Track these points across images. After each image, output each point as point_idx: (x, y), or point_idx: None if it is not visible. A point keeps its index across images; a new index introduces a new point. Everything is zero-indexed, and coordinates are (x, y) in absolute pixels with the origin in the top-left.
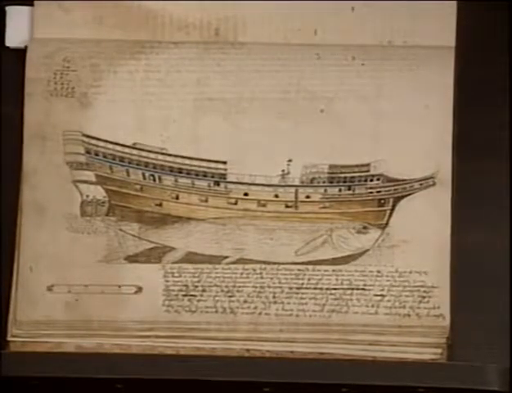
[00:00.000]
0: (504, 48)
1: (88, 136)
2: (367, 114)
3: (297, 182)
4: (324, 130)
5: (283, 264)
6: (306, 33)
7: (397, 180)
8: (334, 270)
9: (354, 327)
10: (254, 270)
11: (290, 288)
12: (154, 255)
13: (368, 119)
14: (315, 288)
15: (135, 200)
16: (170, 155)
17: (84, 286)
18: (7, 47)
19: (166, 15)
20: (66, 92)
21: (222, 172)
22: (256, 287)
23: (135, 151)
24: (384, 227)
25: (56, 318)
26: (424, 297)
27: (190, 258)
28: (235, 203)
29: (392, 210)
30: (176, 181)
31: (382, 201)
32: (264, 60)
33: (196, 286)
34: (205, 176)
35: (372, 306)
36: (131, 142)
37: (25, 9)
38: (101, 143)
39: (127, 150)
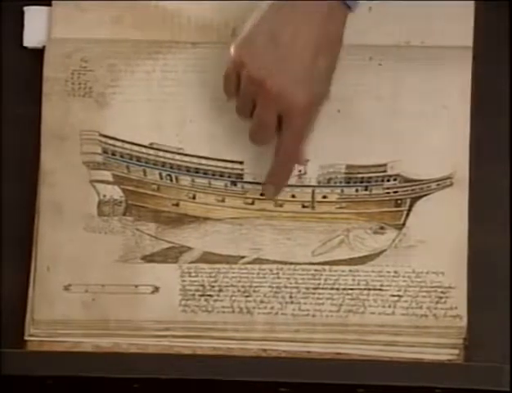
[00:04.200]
0: None
1: (105, 136)
2: (384, 114)
3: (314, 183)
4: (341, 130)
5: (300, 264)
6: None
7: (414, 180)
8: (350, 270)
9: (371, 327)
10: (271, 270)
11: (307, 288)
12: (171, 254)
13: (385, 119)
14: (331, 288)
15: (152, 200)
16: (187, 155)
17: (101, 286)
18: (25, 47)
19: (183, 15)
20: (84, 92)
21: (239, 172)
22: (272, 287)
23: (152, 151)
24: (400, 227)
25: (73, 318)
26: (441, 298)
27: (207, 258)
28: (252, 203)
29: (410, 210)
30: (193, 181)
31: (399, 202)
32: None
33: (213, 286)
34: (222, 176)
35: (389, 307)
36: (148, 141)
37: (43, 9)
38: (118, 143)
39: (144, 150)
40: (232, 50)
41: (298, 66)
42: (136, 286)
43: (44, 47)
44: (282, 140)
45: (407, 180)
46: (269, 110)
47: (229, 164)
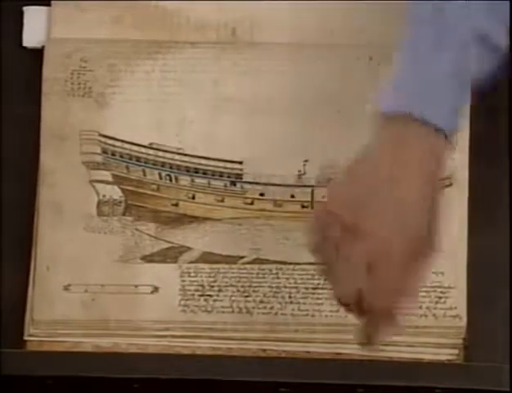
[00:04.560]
0: None
1: (105, 136)
2: None
3: (313, 183)
4: (340, 131)
5: (299, 264)
6: (322, 34)
7: None
8: None
9: None
10: (270, 270)
11: (306, 288)
12: (171, 254)
13: None
14: (331, 288)
15: (151, 200)
16: (186, 155)
17: (101, 286)
18: (25, 47)
19: (183, 15)
20: (83, 92)
21: (239, 172)
22: (272, 287)
23: (151, 151)
24: None
25: (72, 318)
26: (440, 298)
27: (207, 258)
28: (252, 203)
29: None
30: (192, 181)
31: None
32: (280, 60)
33: (212, 286)
34: (221, 176)
35: None
36: (147, 141)
37: (42, 9)
38: (118, 143)
39: (143, 150)
40: (325, 197)
41: (395, 212)
42: (136, 286)
43: (44, 47)
44: (367, 294)
45: None
46: (356, 256)
47: (228, 164)
